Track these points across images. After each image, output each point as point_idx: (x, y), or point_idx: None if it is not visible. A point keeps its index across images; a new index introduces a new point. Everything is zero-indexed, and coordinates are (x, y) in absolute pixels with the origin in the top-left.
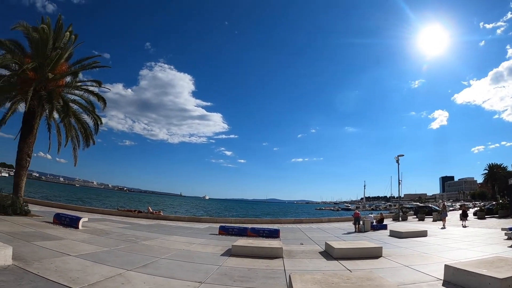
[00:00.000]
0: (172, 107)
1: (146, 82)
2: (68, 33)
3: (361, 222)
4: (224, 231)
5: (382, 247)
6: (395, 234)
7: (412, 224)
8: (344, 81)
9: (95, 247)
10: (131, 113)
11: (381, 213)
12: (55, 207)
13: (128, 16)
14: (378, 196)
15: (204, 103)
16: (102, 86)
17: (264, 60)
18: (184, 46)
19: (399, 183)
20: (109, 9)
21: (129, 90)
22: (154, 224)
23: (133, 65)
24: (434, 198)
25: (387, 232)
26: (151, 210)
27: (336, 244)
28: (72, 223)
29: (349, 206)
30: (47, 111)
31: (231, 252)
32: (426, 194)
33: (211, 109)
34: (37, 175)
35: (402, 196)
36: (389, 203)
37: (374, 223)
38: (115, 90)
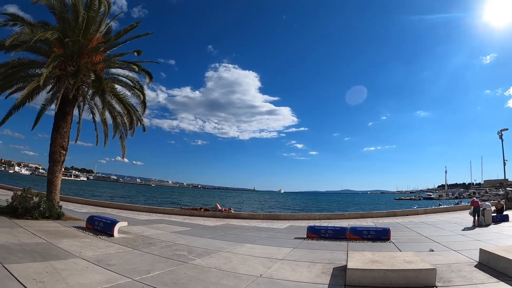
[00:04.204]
0: (240, 105)
1: (212, 83)
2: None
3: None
4: (314, 233)
5: None
6: None
7: None
8: (412, 63)
9: (108, 276)
10: (201, 113)
11: (499, 201)
12: (112, 208)
13: (186, 23)
14: (456, 184)
15: (272, 98)
16: (147, 61)
17: (326, 49)
18: (245, 44)
19: (504, 164)
20: (168, 18)
21: (197, 92)
22: (221, 226)
23: (198, 68)
24: None
25: None
26: (219, 208)
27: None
28: (107, 229)
29: (431, 195)
30: (89, 94)
31: (347, 281)
32: (507, 179)
33: (279, 104)
34: (115, 177)
35: (482, 182)
36: (473, 190)
37: (493, 214)
38: (184, 93)
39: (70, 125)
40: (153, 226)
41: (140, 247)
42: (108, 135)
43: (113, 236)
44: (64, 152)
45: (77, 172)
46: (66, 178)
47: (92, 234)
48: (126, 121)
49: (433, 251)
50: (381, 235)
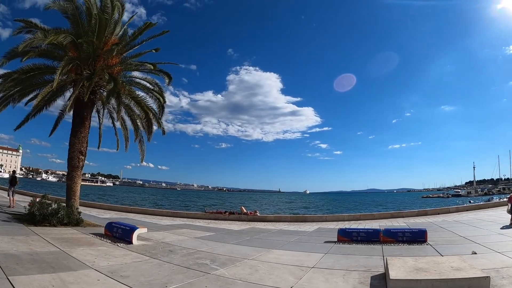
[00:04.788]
0: (262, 107)
1: (234, 86)
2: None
3: None
4: (345, 236)
5: None
6: None
7: None
8: (434, 57)
9: None
10: (224, 117)
11: None
12: (135, 213)
13: (206, 28)
14: (484, 179)
15: (294, 99)
16: (166, 62)
17: (346, 47)
18: (265, 46)
19: None
20: (188, 24)
21: (219, 96)
22: (247, 230)
23: (219, 72)
24: None
25: None
26: (245, 211)
27: None
28: (125, 235)
29: (459, 192)
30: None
31: None
32: None
33: (302, 104)
34: (141, 182)
35: (511, 177)
36: (502, 186)
37: None
38: (206, 97)
39: (88, 130)
40: (175, 231)
41: (159, 256)
42: (129, 139)
43: (132, 244)
44: (83, 158)
45: (103, 178)
46: (93, 184)
47: (110, 241)
48: (144, 124)
49: (475, 253)
50: (417, 237)
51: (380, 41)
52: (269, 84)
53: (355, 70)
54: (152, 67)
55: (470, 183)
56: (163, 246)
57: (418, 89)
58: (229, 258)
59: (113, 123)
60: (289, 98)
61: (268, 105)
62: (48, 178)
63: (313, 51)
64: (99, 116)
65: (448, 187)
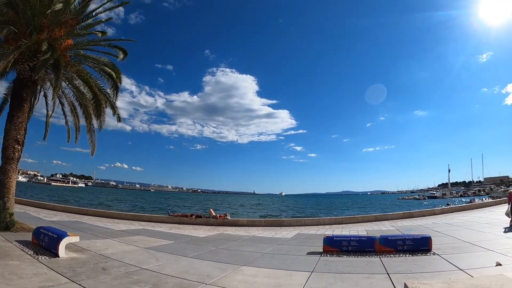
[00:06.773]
0: (238, 109)
1: (210, 88)
2: None
3: None
4: (332, 245)
5: None
6: None
7: None
8: (409, 63)
9: None
10: (199, 118)
11: None
12: (90, 215)
13: (183, 28)
14: (457, 182)
15: (270, 101)
16: (124, 39)
17: (323, 52)
18: (242, 49)
19: None
20: (165, 24)
21: (195, 97)
22: (214, 237)
23: (196, 73)
24: None
25: None
26: (213, 214)
27: None
28: (52, 245)
29: (434, 194)
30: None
31: None
32: (508, 176)
33: (277, 107)
34: (114, 183)
35: (483, 180)
36: (478, 188)
37: None
38: (182, 98)
39: (27, 115)
40: (126, 239)
41: (83, 277)
42: (81, 129)
43: (58, 257)
44: (19, 148)
45: (75, 179)
46: (64, 184)
47: (32, 252)
48: (93, 107)
49: (501, 265)
50: (420, 245)
51: (356, 46)
52: (245, 86)
53: (331, 74)
54: (100, 34)
55: (443, 185)
56: (98, 261)
57: (393, 94)
58: (180, 282)
59: (62, 109)
60: (264, 100)
61: (243, 107)
62: (18, 178)
63: (290, 54)
64: (46, 102)
65: (422, 189)
